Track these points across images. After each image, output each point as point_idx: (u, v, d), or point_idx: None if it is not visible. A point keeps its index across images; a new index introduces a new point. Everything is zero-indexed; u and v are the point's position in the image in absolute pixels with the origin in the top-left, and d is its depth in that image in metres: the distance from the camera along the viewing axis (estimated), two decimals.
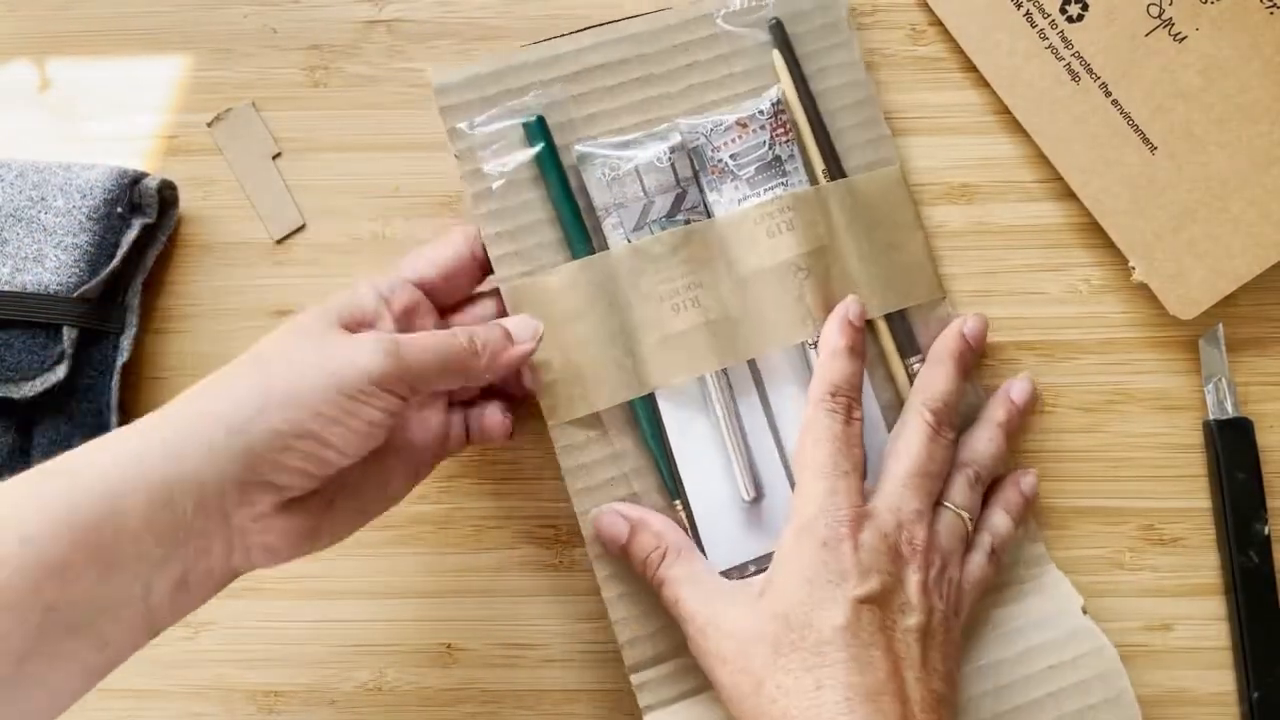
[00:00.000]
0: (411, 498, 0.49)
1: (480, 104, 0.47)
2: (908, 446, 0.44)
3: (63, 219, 0.47)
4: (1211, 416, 0.48)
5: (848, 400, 0.43)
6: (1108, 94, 0.48)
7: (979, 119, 0.50)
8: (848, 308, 0.45)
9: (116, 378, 0.48)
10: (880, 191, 0.48)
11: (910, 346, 0.48)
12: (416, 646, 0.49)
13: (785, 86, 0.48)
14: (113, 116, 0.51)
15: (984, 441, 0.46)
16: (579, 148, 0.47)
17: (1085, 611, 0.46)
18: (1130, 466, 0.49)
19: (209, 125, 0.51)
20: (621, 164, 0.47)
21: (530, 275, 0.46)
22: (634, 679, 0.46)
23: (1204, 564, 0.49)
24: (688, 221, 0.47)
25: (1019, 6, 0.49)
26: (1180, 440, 0.49)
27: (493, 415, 0.46)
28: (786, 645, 0.39)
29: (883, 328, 0.48)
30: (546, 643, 0.49)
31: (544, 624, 0.49)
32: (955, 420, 0.45)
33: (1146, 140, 0.48)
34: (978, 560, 0.44)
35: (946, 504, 0.44)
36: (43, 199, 0.47)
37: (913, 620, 0.40)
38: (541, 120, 0.47)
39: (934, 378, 0.46)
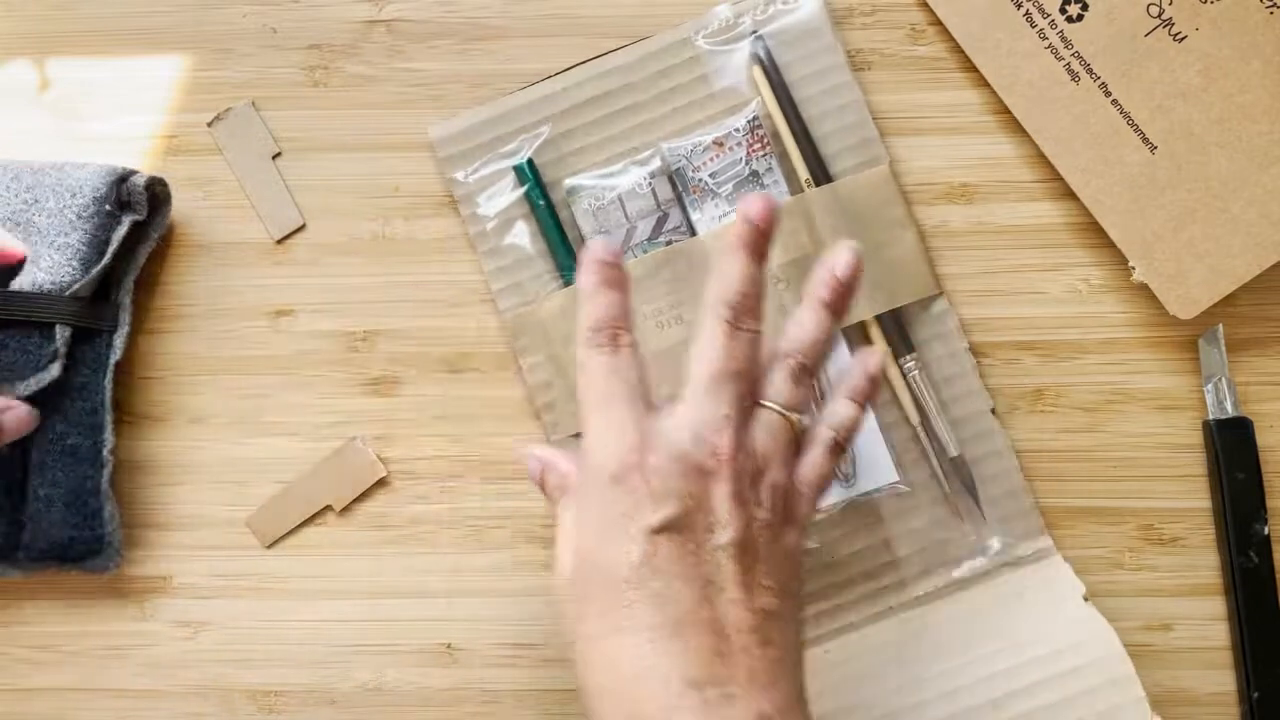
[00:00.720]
0: (411, 498, 0.49)
1: (476, 151, 0.50)
2: (702, 350, 0.39)
3: (54, 219, 0.47)
4: (1211, 416, 0.48)
5: (611, 331, 0.39)
6: (1108, 94, 0.48)
7: (979, 119, 0.50)
8: (591, 249, 0.40)
9: (110, 376, 0.48)
10: (868, 192, 0.49)
11: (904, 345, 0.48)
12: (416, 646, 0.49)
13: (765, 99, 0.49)
14: (113, 116, 0.51)
15: (806, 326, 0.40)
16: (569, 181, 0.49)
17: (1087, 599, 0.46)
18: (1130, 466, 0.49)
19: (209, 125, 0.51)
20: (605, 194, 0.49)
21: (527, 305, 0.49)
22: None
23: (1204, 564, 0.49)
24: (669, 243, 0.48)
25: (1019, 6, 0.49)
26: (1180, 440, 0.49)
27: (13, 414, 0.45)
28: (588, 593, 0.37)
29: (874, 328, 0.48)
30: (547, 643, 0.49)
31: (544, 624, 0.49)
32: (759, 311, 0.40)
33: (1146, 140, 0.48)
34: (813, 458, 0.40)
35: (764, 403, 0.39)
36: (36, 201, 0.47)
37: (724, 537, 0.36)
38: (530, 162, 0.49)
39: (724, 271, 0.40)
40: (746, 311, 0.39)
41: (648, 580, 0.36)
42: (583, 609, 0.37)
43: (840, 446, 0.40)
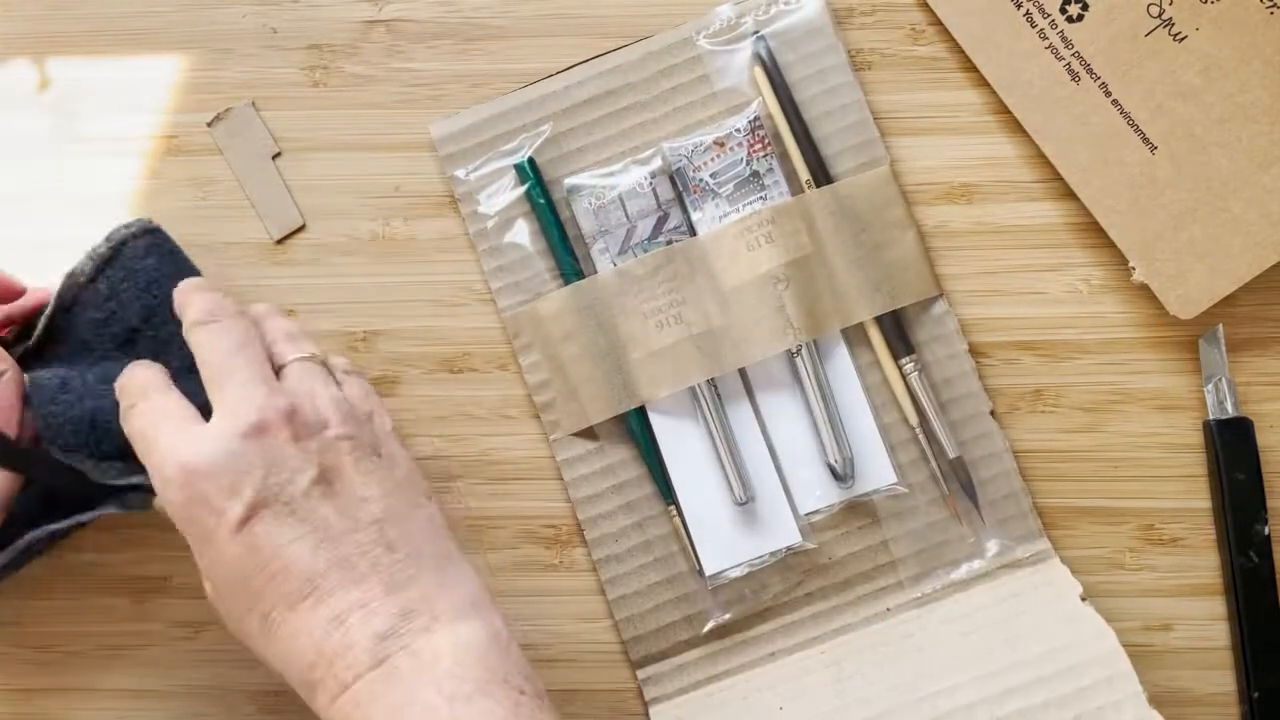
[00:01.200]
0: None
1: (477, 149, 0.50)
2: (198, 360, 0.40)
3: None
4: (1211, 416, 0.48)
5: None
6: (1108, 94, 0.48)
7: (979, 119, 0.50)
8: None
9: None
10: (868, 193, 0.49)
11: (904, 347, 0.48)
12: None
13: (766, 99, 0.49)
14: (112, 116, 0.51)
15: (265, 312, 0.43)
16: (569, 180, 0.49)
17: (1085, 600, 0.46)
18: (1130, 466, 0.49)
19: (209, 125, 0.51)
20: (606, 193, 0.49)
21: (527, 304, 0.49)
22: (640, 674, 0.48)
23: (1204, 564, 0.49)
24: (669, 242, 0.48)
25: (1019, 6, 0.49)
26: (1180, 440, 0.49)
27: None
28: (230, 608, 0.38)
29: (873, 330, 0.48)
30: (546, 643, 0.49)
31: (544, 624, 0.49)
32: (225, 308, 0.41)
33: (1146, 140, 0.48)
34: (342, 373, 0.42)
35: (282, 363, 0.40)
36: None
37: (303, 480, 0.37)
38: (531, 161, 0.49)
39: (178, 296, 0.42)
40: (213, 310, 0.40)
41: (264, 565, 0.36)
42: (234, 622, 0.38)
43: (345, 360, 0.44)
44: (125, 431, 0.40)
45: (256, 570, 0.36)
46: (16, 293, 0.47)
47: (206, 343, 0.40)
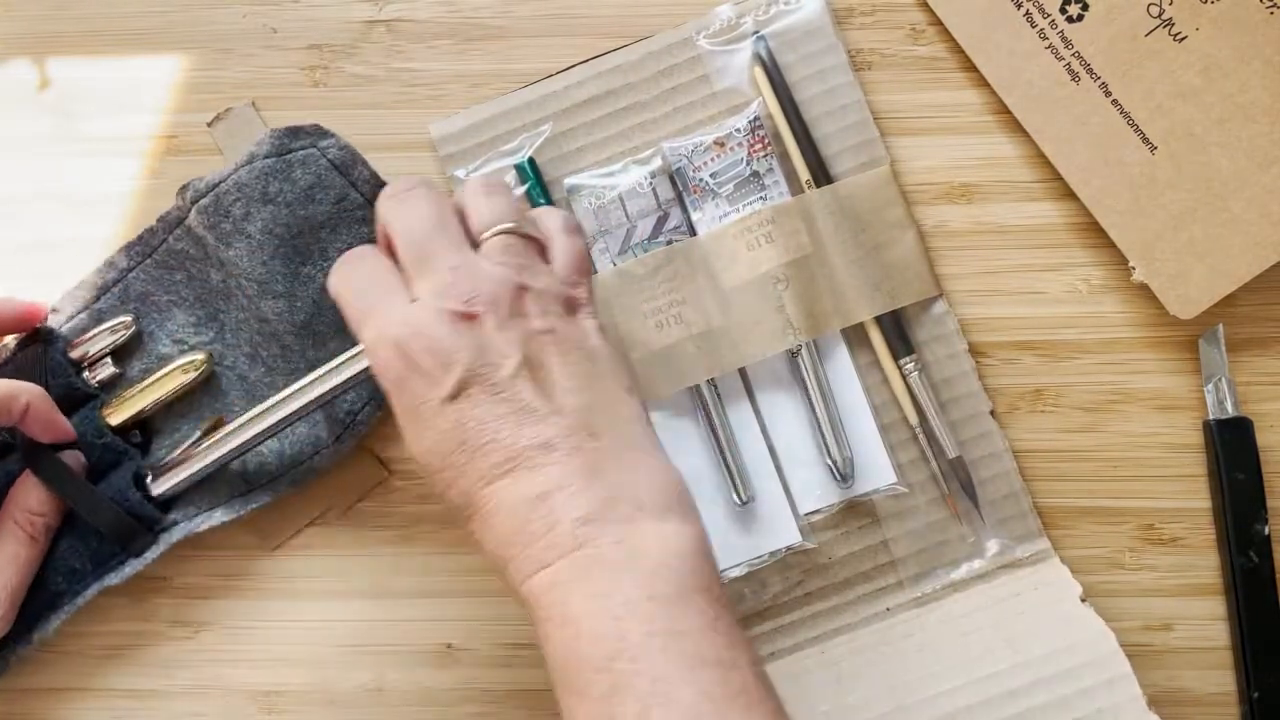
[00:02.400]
0: (410, 497, 0.49)
1: (477, 149, 0.50)
2: (394, 235, 0.39)
3: None
4: (1211, 416, 0.48)
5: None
6: (1108, 94, 0.48)
7: (979, 119, 0.50)
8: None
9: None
10: (868, 193, 0.49)
11: (904, 347, 0.48)
12: (416, 646, 0.49)
13: (767, 99, 0.49)
14: (112, 116, 0.51)
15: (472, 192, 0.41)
16: (569, 180, 0.49)
17: (1084, 600, 0.46)
18: (1130, 466, 0.49)
19: (209, 125, 0.51)
20: (606, 193, 0.49)
21: None
22: None
23: (1204, 564, 0.49)
24: (669, 242, 0.48)
25: (1019, 6, 0.49)
26: (1180, 440, 0.49)
27: None
28: (438, 479, 0.37)
29: (873, 330, 0.48)
30: None
31: None
32: (419, 182, 0.41)
33: (1146, 140, 0.48)
34: (560, 246, 0.41)
35: (482, 236, 0.40)
36: None
37: (509, 366, 0.37)
38: (531, 161, 0.49)
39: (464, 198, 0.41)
40: (410, 187, 0.40)
41: (468, 440, 0.36)
42: (439, 493, 0.37)
43: (573, 225, 0.42)
44: (334, 292, 0.40)
45: (460, 445, 0.36)
46: (40, 317, 0.48)
47: (403, 216, 0.39)
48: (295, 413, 0.44)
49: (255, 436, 0.45)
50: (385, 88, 0.51)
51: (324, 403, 0.43)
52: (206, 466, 0.46)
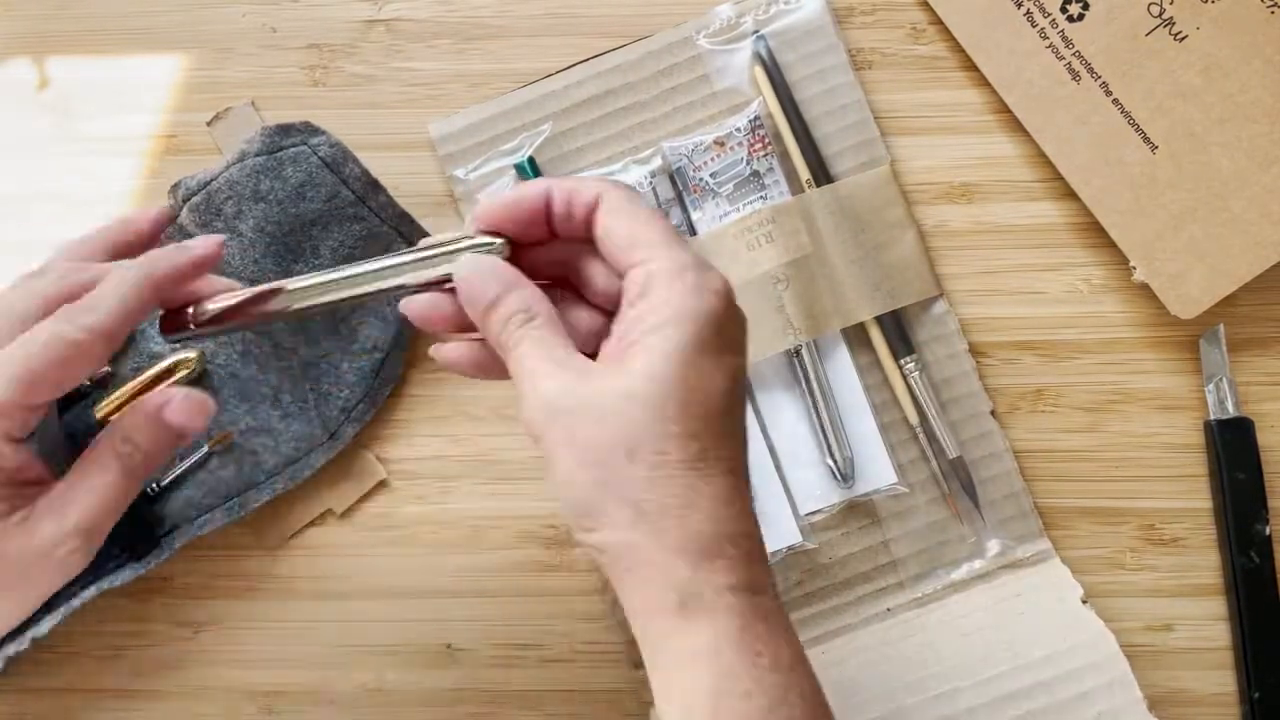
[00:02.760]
0: (410, 498, 0.49)
1: (477, 149, 0.50)
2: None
3: None
4: (1212, 416, 0.48)
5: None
6: (1108, 93, 0.48)
7: (979, 119, 0.50)
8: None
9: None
10: (868, 192, 0.49)
11: (904, 347, 0.48)
12: (416, 646, 0.49)
13: (767, 99, 0.49)
14: (112, 116, 0.51)
15: None
16: None
17: (1085, 602, 0.46)
18: (1130, 466, 0.49)
19: (208, 125, 0.51)
20: None
21: None
22: (640, 674, 0.46)
23: (1204, 564, 0.49)
24: None
25: (1019, 6, 0.49)
26: (1180, 440, 0.49)
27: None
28: (676, 414, 0.32)
29: (874, 330, 0.48)
30: (546, 643, 0.49)
31: (544, 624, 0.49)
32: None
33: (1147, 140, 0.48)
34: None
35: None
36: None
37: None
38: (531, 160, 0.49)
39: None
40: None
41: (732, 410, 0.33)
42: (667, 428, 0.31)
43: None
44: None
45: (727, 409, 0.33)
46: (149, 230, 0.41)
47: (631, 204, 0.34)
48: (360, 295, 0.37)
49: (307, 307, 0.37)
50: (385, 87, 0.51)
51: (387, 296, 0.37)
52: (245, 308, 0.38)
